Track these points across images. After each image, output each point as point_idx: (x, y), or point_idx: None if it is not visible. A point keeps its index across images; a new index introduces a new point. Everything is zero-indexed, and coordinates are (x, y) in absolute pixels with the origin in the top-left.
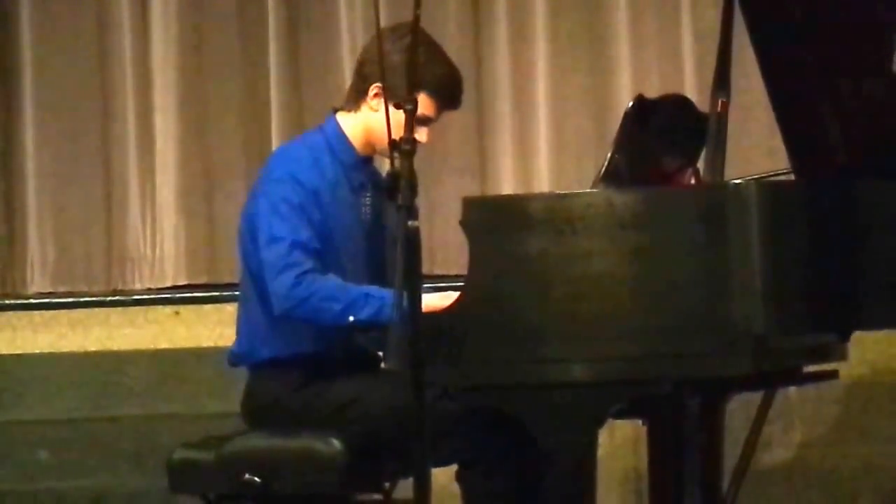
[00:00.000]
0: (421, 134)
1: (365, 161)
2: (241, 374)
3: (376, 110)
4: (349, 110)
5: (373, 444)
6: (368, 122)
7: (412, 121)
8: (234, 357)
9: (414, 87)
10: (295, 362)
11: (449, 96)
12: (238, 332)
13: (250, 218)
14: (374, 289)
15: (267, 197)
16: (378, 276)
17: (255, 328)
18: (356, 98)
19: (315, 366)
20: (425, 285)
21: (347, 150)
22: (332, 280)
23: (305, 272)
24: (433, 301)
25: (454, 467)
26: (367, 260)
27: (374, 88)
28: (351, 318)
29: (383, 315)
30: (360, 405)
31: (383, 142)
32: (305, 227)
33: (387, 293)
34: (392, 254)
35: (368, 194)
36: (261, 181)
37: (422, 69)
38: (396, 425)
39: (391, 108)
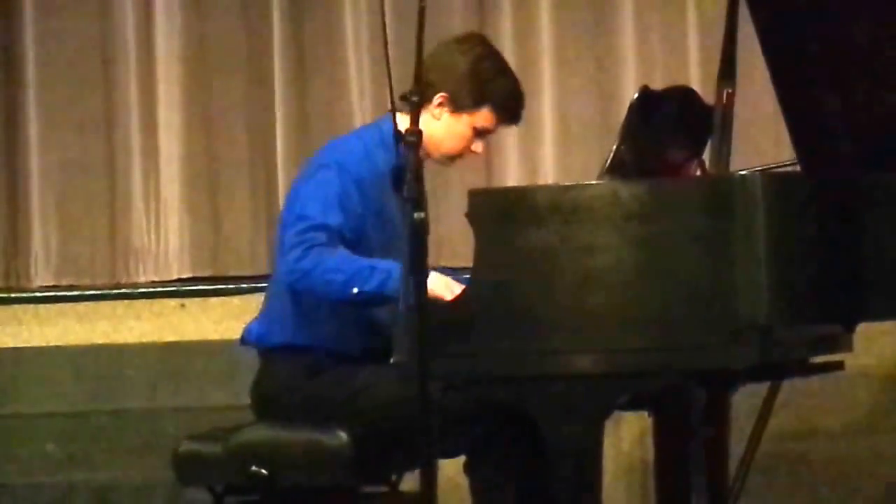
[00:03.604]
0: (477, 146)
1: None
2: (248, 367)
3: (438, 119)
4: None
5: (380, 436)
6: (428, 129)
7: (418, 113)
8: (248, 334)
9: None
10: (306, 350)
11: (511, 113)
12: (261, 312)
13: (289, 203)
14: (381, 262)
15: (309, 180)
16: None
17: (275, 311)
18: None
19: (326, 355)
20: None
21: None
22: (339, 253)
23: (313, 246)
24: (438, 288)
25: (462, 459)
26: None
27: (440, 98)
28: (355, 290)
29: (388, 288)
30: (368, 395)
31: (439, 150)
32: (338, 213)
33: (393, 266)
34: None
35: None
36: (308, 167)
37: (490, 83)
38: (404, 417)
39: (453, 120)
